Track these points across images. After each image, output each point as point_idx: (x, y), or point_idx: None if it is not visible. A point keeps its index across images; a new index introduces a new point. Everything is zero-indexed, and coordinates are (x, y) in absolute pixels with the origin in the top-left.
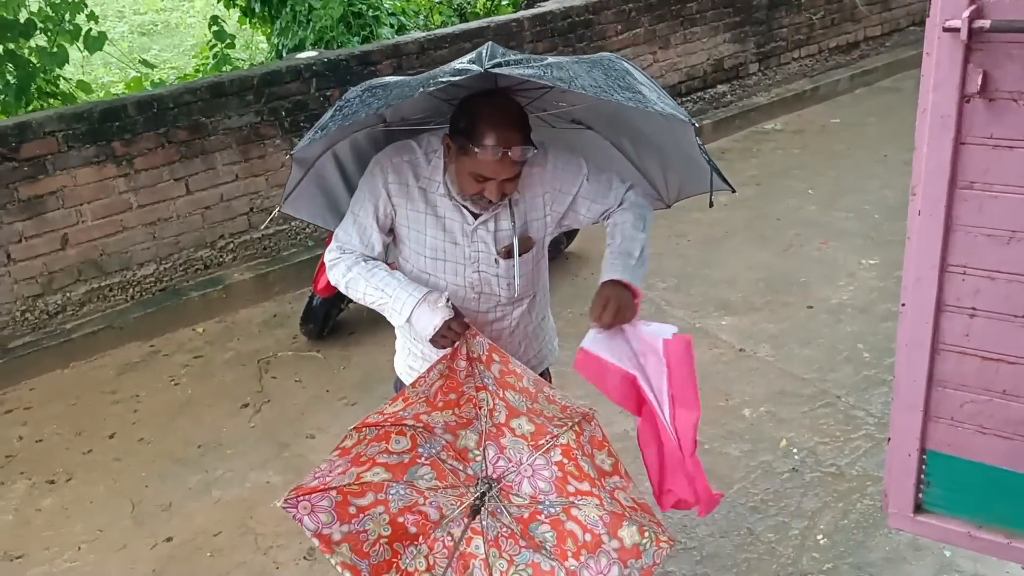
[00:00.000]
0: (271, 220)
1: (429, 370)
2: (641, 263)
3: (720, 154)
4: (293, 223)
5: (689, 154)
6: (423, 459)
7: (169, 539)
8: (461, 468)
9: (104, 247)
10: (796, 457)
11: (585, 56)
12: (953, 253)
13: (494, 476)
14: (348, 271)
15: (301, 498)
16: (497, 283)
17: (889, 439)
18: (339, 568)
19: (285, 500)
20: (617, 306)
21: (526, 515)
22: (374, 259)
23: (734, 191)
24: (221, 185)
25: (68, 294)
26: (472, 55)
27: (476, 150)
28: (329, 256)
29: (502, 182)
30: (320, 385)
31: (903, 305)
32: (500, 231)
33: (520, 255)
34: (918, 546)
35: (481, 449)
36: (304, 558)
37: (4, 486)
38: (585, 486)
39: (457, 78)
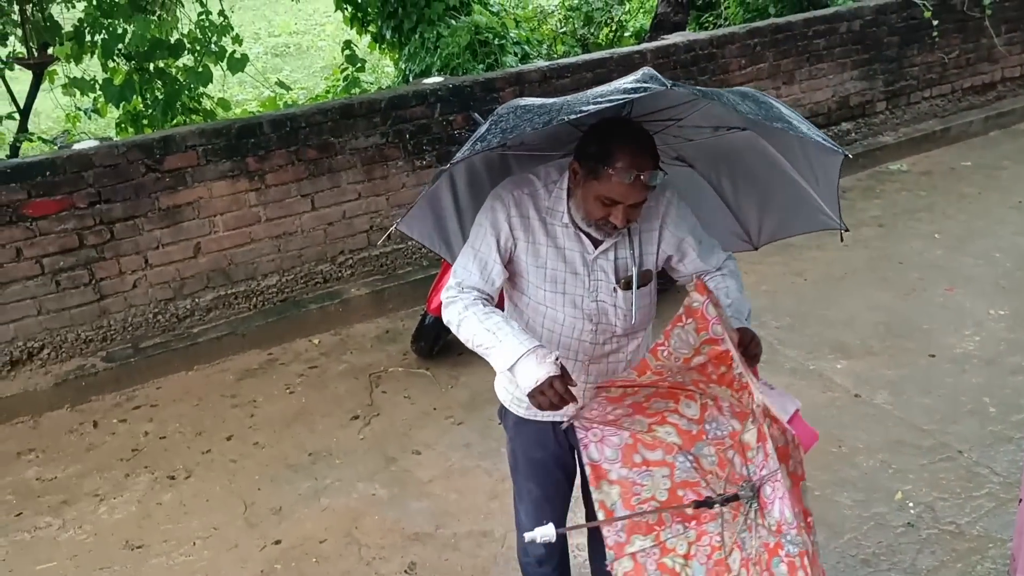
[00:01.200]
0: (387, 237)
1: (670, 331)
2: (750, 324)
3: (842, 193)
4: (410, 243)
5: (799, 194)
6: (708, 437)
7: (278, 542)
8: (738, 464)
9: (233, 257)
10: (912, 512)
11: (727, 88)
12: None
13: (758, 485)
14: (465, 310)
15: (594, 426)
16: (615, 313)
17: (1021, 500)
18: (597, 506)
19: (579, 420)
20: (758, 343)
21: (772, 543)
22: (489, 301)
23: (847, 230)
24: (344, 203)
25: (197, 300)
26: (636, 76)
27: (610, 171)
28: (447, 294)
29: (629, 207)
30: (428, 402)
31: None
32: (619, 260)
33: (640, 287)
34: None
35: (756, 448)
36: (405, 572)
37: (129, 478)
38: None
39: (636, 95)
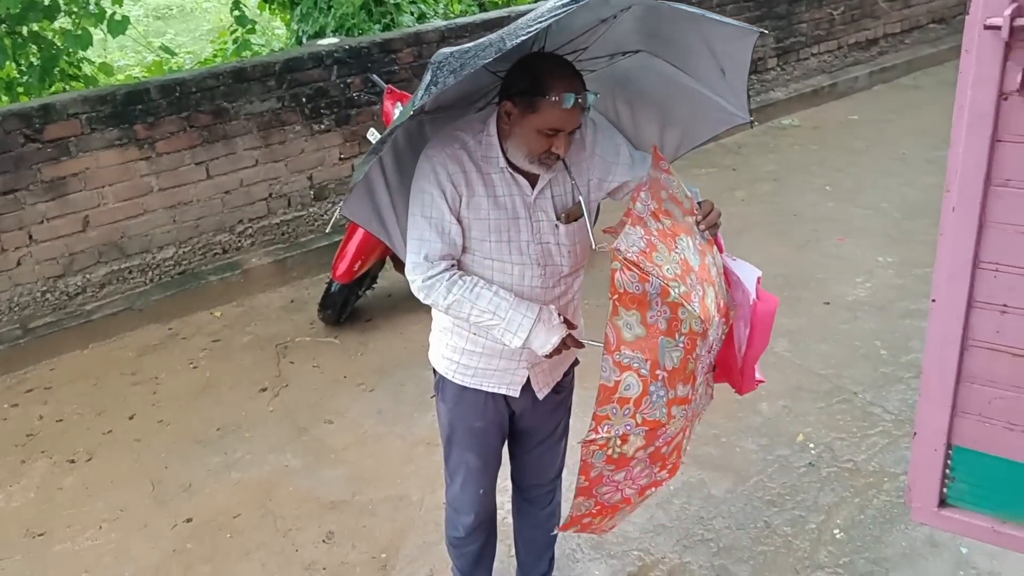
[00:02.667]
0: (333, 223)
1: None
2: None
3: (737, 149)
4: (311, 209)
5: (699, 101)
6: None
7: (189, 519)
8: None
9: (125, 230)
10: (813, 452)
11: None
12: (986, 250)
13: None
14: (448, 293)
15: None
16: (559, 252)
17: (915, 433)
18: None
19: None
20: (719, 213)
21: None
22: (457, 266)
23: (753, 124)
24: (241, 170)
25: (88, 276)
26: (425, 80)
27: (549, 100)
28: (419, 275)
29: (568, 135)
30: (338, 370)
31: (933, 301)
32: (556, 197)
33: (576, 220)
34: (935, 542)
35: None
36: (323, 541)
37: (26, 464)
38: None
39: (573, 7)
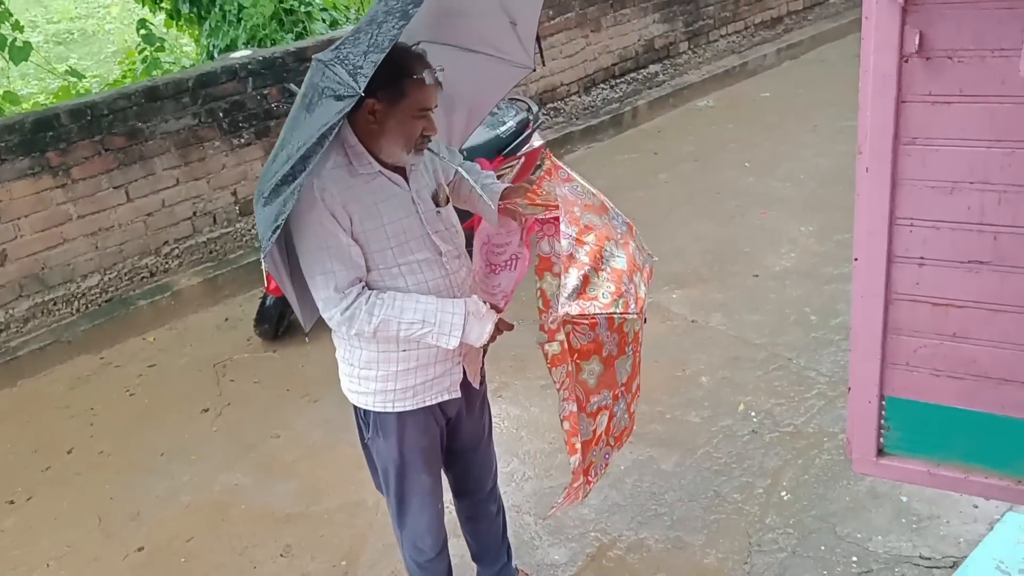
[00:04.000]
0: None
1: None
2: None
3: (656, 133)
4: (238, 225)
5: (480, 73)
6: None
7: (141, 548)
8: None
9: (45, 260)
10: (755, 419)
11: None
12: (900, 206)
13: None
14: (371, 317)
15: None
16: (449, 235)
17: (849, 388)
18: (538, 294)
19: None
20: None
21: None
22: (372, 291)
23: (535, 69)
24: (162, 191)
25: (11, 311)
26: (336, 78)
27: (415, 80)
28: (336, 310)
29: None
30: (280, 385)
31: (856, 259)
32: (423, 187)
33: (447, 202)
34: (876, 494)
35: None
36: (281, 555)
37: None
38: None
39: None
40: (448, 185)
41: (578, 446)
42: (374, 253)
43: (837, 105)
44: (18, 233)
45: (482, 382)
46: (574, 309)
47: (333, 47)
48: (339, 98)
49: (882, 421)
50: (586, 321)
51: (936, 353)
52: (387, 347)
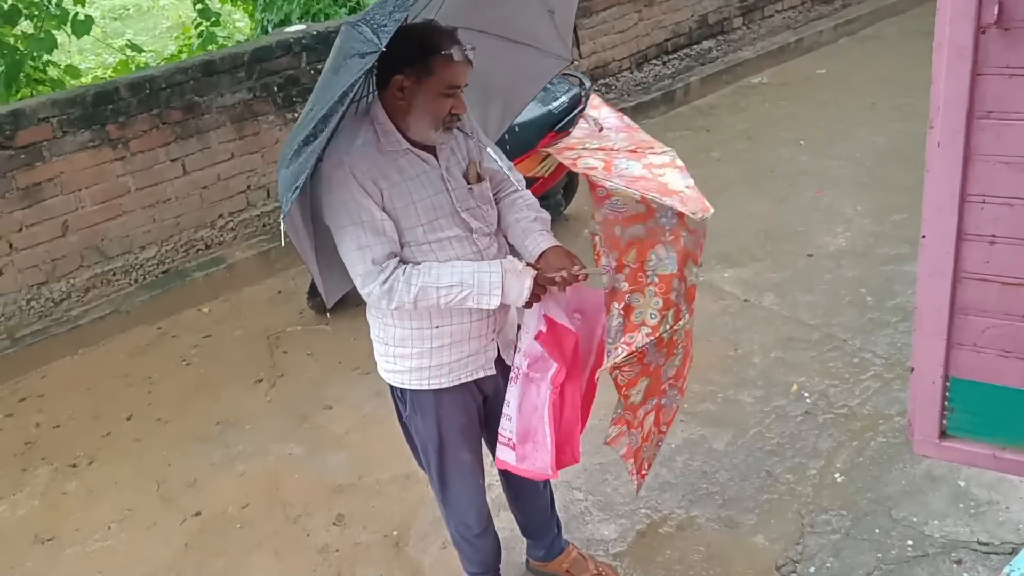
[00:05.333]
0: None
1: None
2: None
3: (709, 109)
4: None
5: (516, 66)
6: None
7: (198, 514)
8: None
9: (105, 232)
10: (808, 400)
11: None
12: (972, 182)
13: None
14: (410, 287)
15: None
16: (480, 214)
17: (912, 369)
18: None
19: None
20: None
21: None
22: (411, 263)
23: (573, 61)
24: (218, 164)
25: (72, 281)
26: (360, 37)
27: (443, 56)
28: (374, 283)
29: (461, 92)
30: (332, 357)
31: (924, 236)
32: (455, 165)
33: (479, 179)
34: (933, 477)
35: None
36: (334, 524)
37: (27, 472)
38: None
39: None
40: (492, 181)
41: (626, 453)
42: (405, 230)
43: (895, 82)
44: (79, 204)
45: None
46: (620, 352)
47: (362, 11)
48: (362, 55)
49: (946, 402)
50: (634, 358)
51: (1005, 334)
52: (420, 324)
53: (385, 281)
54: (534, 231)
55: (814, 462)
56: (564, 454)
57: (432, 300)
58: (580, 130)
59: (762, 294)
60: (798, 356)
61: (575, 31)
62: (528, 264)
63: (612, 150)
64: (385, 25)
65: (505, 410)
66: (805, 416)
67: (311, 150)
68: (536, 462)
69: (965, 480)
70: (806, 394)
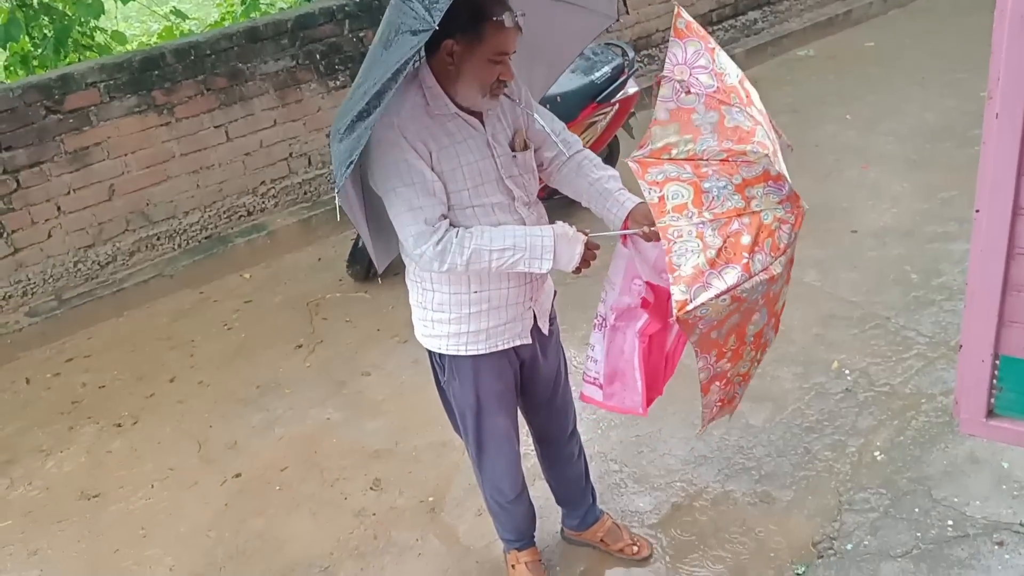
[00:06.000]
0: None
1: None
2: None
3: (754, 82)
4: (331, 167)
5: (563, 24)
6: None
7: (238, 475)
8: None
9: (150, 197)
10: (849, 378)
11: None
12: None
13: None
14: (463, 249)
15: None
16: (525, 180)
17: (960, 346)
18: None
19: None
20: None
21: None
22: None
23: (618, 19)
24: (260, 131)
25: (117, 244)
26: (412, 13)
27: (494, 22)
28: (428, 243)
29: (509, 59)
30: (371, 324)
31: (977, 211)
32: (500, 132)
33: (524, 147)
34: (976, 459)
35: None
36: (371, 488)
37: (73, 431)
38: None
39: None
40: (536, 151)
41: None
42: (451, 193)
43: (946, 58)
44: (125, 169)
45: (552, 326)
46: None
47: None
48: (414, 33)
49: (995, 381)
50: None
51: None
52: (458, 288)
53: (439, 242)
54: (613, 192)
55: (853, 440)
56: (651, 393)
57: (484, 263)
58: (663, 103)
59: (804, 270)
60: (839, 334)
61: None
62: (579, 230)
63: (701, 160)
64: (437, 1)
65: (590, 352)
66: (845, 394)
67: (365, 125)
68: (625, 400)
69: (1008, 462)
70: (847, 372)
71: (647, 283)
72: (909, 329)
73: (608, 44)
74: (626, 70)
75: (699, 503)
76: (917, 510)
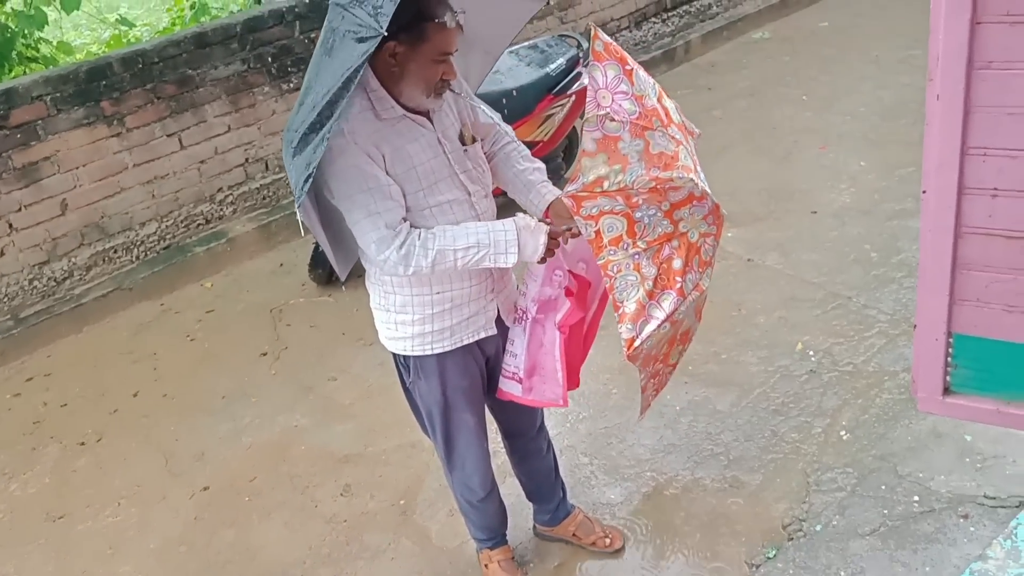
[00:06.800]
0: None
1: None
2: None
3: (710, 67)
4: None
5: (491, 9)
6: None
7: (206, 487)
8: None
9: (104, 209)
10: (813, 359)
11: None
12: (973, 135)
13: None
14: (427, 251)
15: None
16: (477, 174)
17: (915, 326)
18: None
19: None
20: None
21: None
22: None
23: (548, 2)
24: (214, 138)
25: (73, 259)
26: (358, 19)
27: (435, 24)
28: (390, 248)
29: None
30: (336, 328)
31: (924, 192)
32: (448, 128)
33: (473, 141)
34: (939, 433)
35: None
36: (341, 494)
37: (37, 451)
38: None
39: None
40: (482, 141)
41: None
42: (407, 195)
43: (900, 35)
44: (77, 183)
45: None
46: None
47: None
48: (361, 40)
49: (949, 359)
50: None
51: (1010, 288)
52: (420, 290)
53: (401, 246)
54: (536, 184)
55: (819, 421)
56: (570, 384)
57: (449, 263)
58: (588, 132)
59: (765, 253)
60: (802, 315)
61: None
62: (540, 220)
63: (631, 190)
64: (381, 7)
65: (509, 347)
66: (810, 375)
67: (319, 137)
68: (546, 392)
69: (971, 435)
70: (811, 353)
71: (569, 271)
72: (871, 307)
73: (562, 36)
74: (581, 61)
75: (669, 491)
76: (883, 487)
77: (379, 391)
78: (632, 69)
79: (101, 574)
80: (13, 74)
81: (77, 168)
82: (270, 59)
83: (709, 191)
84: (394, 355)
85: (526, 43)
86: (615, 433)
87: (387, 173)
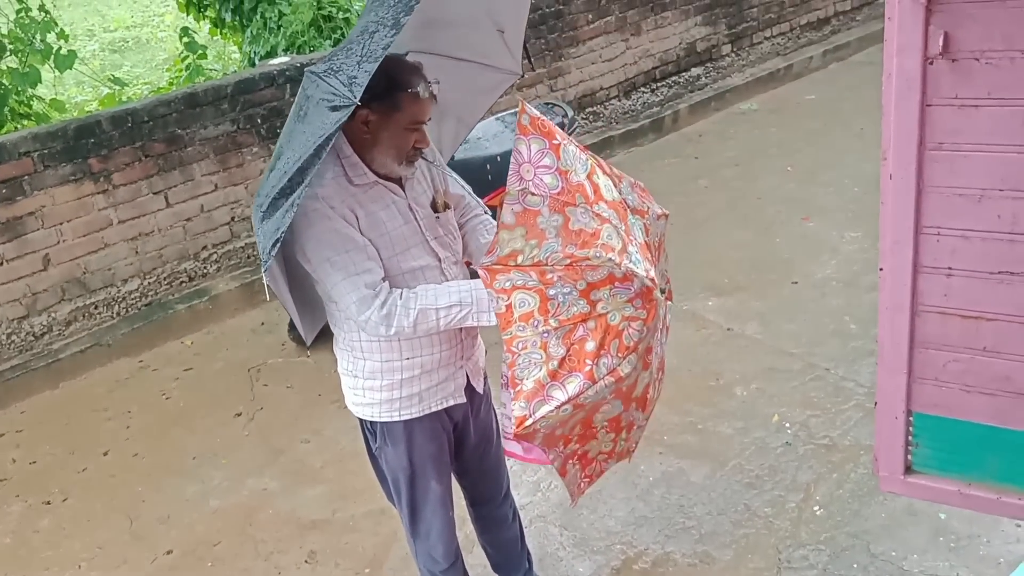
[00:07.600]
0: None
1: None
2: None
3: (698, 136)
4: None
5: (468, 83)
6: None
7: (169, 552)
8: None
9: (87, 265)
10: (789, 431)
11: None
12: (926, 215)
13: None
14: (408, 311)
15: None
16: (449, 240)
17: (876, 403)
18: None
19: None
20: None
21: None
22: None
23: (523, 75)
24: (201, 196)
25: (53, 314)
26: (332, 88)
27: (409, 93)
28: (371, 308)
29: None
30: (312, 389)
31: (881, 269)
32: (421, 194)
33: (445, 208)
34: (913, 511)
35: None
36: (305, 561)
37: (0, 509)
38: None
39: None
40: (456, 208)
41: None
42: (380, 261)
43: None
44: (60, 238)
45: (485, 385)
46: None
47: (325, 59)
48: (335, 108)
49: (910, 438)
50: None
51: (967, 368)
52: (390, 356)
53: (383, 305)
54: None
55: (793, 495)
56: None
57: (432, 322)
58: (509, 204)
59: (745, 323)
60: (780, 386)
61: (525, 47)
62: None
63: (546, 266)
64: (356, 77)
65: (503, 411)
66: (785, 447)
67: (289, 203)
68: (540, 454)
69: (946, 513)
70: (787, 425)
71: None
72: (848, 380)
73: (548, 104)
74: (566, 128)
75: (639, 565)
76: (856, 566)
77: (351, 455)
78: (560, 144)
79: None
80: (4, 130)
81: (61, 223)
82: (259, 120)
83: (640, 272)
84: (361, 420)
85: (512, 110)
86: (586, 503)
87: (362, 235)
